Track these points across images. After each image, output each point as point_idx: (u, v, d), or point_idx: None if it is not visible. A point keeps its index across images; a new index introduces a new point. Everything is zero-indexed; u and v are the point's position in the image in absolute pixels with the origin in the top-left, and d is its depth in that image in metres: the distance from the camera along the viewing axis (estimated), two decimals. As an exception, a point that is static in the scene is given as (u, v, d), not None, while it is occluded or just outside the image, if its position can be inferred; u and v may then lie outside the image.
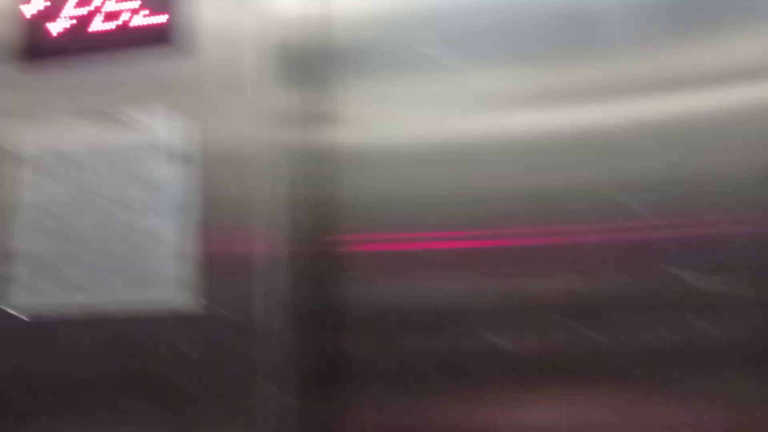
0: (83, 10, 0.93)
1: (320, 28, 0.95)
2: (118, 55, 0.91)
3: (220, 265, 0.84)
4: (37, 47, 0.94)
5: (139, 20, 0.91)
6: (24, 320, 0.88)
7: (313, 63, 0.95)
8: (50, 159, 0.90)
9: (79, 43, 0.92)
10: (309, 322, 0.87)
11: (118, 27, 0.91)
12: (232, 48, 0.88)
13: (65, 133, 0.90)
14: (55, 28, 0.93)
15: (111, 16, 0.92)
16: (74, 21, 0.93)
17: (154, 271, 0.85)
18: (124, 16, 0.91)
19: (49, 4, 0.94)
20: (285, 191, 0.87)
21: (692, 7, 0.86)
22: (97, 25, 0.92)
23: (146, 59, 0.90)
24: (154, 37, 0.90)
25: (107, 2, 0.92)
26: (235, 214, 0.85)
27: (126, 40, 0.91)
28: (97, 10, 0.92)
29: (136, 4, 0.91)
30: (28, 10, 0.94)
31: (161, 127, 0.88)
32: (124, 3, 0.91)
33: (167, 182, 0.87)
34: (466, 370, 0.86)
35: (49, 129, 0.91)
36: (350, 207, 0.92)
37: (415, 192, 0.90)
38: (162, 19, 0.90)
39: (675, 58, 0.86)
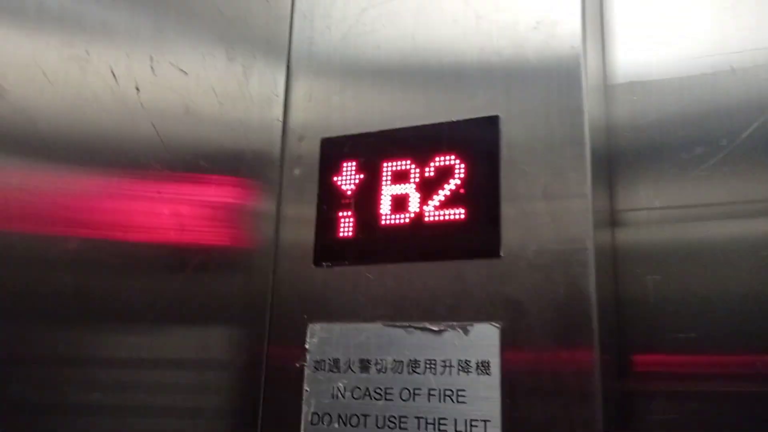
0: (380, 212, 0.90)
1: (608, 134, 0.96)
2: (416, 255, 0.87)
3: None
4: (333, 248, 0.91)
5: (437, 215, 0.86)
6: None
7: (608, 165, 0.95)
8: (346, 361, 0.87)
9: (376, 244, 0.89)
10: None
11: (413, 221, 0.87)
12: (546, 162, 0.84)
13: (356, 334, 0.87)
14: (357, 228, 0.91)
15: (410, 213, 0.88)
16: (370, 224, 0.90)
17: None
18: (426, 214, 0.87)
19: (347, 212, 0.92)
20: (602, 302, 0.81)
21: None
22: (392, 221, 0.89)
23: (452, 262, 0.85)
24: (453, 233, 0.85)
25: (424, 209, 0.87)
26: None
27: (424, 236, 0.87)
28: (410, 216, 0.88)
29: (457, 213, 0.86)
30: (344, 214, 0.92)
31: (465, 334, 0.82)
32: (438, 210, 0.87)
33: (473, 396, 0.80)
34: None
35: (341, 329, 0.88)
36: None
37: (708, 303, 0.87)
38: (460, 212, 0.85)
39: None
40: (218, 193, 0.88)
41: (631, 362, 0.90)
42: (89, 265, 0.69)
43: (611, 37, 1.01)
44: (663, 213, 0.92)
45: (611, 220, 0.94)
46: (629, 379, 0.89)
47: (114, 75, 0.67)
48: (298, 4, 1.04)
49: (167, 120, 0.76)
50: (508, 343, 0.80)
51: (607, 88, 0.99)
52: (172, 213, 0.79)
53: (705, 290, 0.88)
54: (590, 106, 0.85)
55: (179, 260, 0.81)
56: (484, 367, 0.80)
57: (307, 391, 0.87)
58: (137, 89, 0.71)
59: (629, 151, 0.95)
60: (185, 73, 0.78)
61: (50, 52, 0.61)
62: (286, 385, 0.88)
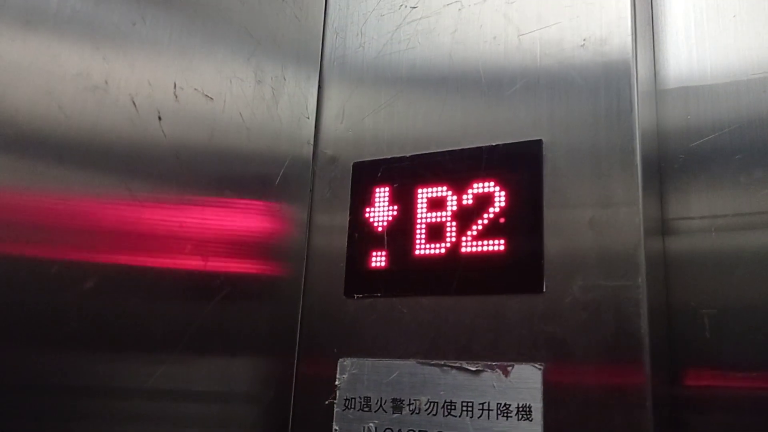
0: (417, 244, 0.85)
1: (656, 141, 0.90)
2: (452, 288, 0.81)
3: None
4: (364, 279, 0.87)
5: (475, 246, 0.81)
6: None
7: (655, 172, 0.89)
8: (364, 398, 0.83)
9: (410, 275, 0.84)
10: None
11: (449, 251, 0.82)
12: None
13: (388, 371, 0.82)
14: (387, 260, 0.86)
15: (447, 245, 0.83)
16: (404, 254, 0.85)
17: None
18: (463, 247, 0.82)
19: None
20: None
21: None
22: (428, 251, 0.83)
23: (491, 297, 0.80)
24: (492, 266, 0.80)
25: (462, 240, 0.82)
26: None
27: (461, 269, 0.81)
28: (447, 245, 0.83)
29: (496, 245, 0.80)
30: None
31: (505, 375, 0.76)
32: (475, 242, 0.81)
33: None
34: None
35: (372, 365, 0.83)
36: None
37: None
38: (500, 244, 0.80)
39: None
40: (245, 221, 0.84)
41: (687, 410, 0.83)
42: (111, 294, 0.66)
43: (662, 41, 0.94)
44: (718, 222, 0.86)
45: (662, 232, 0.88)
46: (684, 426, 0.82)
47: (134, 104, 0.64)
48: (330, 21, 1.00)
49: (191, 148, 0.73)
50: (551, 387, 0.74)
51: (659, 93, 0.93)
52: (197, 242, 0.76)
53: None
54: (641, 122, 0.79)
55: (205, 290, 0.78)
56: (525, 411, 0.74)
57: (336, 430, 0.83)
58: (159, 118, 0.67)
59: (682, 159, 0.89)
60: (210, 98, 0.75)
61: (66, 85, 0.58)
62: (314, 424, 0.84)
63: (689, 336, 0.83)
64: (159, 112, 0.67)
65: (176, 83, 0.70)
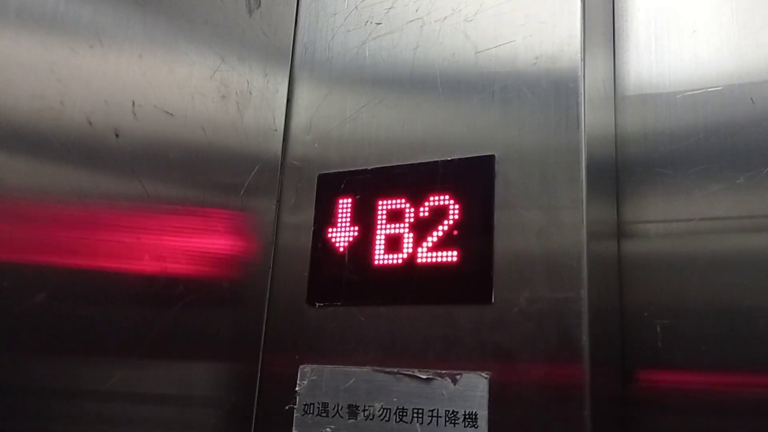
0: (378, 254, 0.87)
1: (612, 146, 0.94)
2: (408, 298, 0.84)
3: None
4: (326, 288, 0.89)
5: (430, 257, 0.83)
6: None
7: (610, 178, 0.92)
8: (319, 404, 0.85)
9: (369, 285, 0.87)
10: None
11: (405, 262, 0.85)
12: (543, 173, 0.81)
13: (345, 377, 0.85)
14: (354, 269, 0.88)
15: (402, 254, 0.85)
16: (363, 264, 0.87)
17: None
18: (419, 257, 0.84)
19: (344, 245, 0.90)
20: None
21: None
22: (386, 262, 0.86)
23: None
24: (445, 277, 0.82)
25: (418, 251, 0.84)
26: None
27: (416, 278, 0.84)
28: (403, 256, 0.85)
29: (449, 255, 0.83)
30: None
31: (454, 384, 0.78)
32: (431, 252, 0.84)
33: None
34: None
35: (331, 371, 0.86)
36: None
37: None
38: (452, 255, 0.82)
39: None
40: (209, 230, 0.87)
41: (640, 410, 0.85)
42: (66, 300, 0.69)
43: (624, 52, 0.98)
44: (674, 226, 0.89)
45: (618, 235, 0.90)
46: (638, 424, 0.85)
47: (90, 122, 0.67)
48: (300, 36, 1.03)
49: (149, 161, 0.76)
50: (496, 395, 0.76)
51: (619, 100, 0.96)
52: (157, 251, 0.79)
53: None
54: (590, 132, 0.81)
55: (166, 296, 0.81)
56: (471, 419, 0.77)
57: (295, 434, 0.86)
58: (116, 135, 0.70)
59: (638, 167, 0.93)
60: (171, 114, 0.78)
61: (20, 105, 0.61)
62: (275, 428, 0.87)
63: (641, 337, 0.86)
64: (116, 130, 0.70)
65: (135, 101, 0.73)
